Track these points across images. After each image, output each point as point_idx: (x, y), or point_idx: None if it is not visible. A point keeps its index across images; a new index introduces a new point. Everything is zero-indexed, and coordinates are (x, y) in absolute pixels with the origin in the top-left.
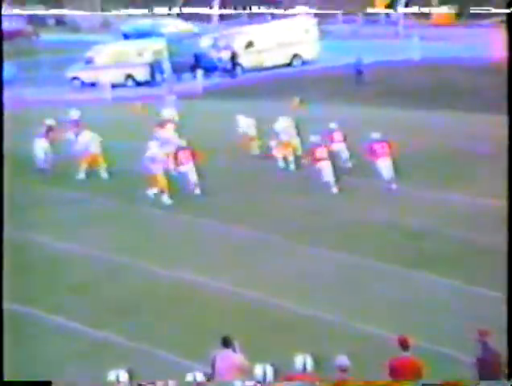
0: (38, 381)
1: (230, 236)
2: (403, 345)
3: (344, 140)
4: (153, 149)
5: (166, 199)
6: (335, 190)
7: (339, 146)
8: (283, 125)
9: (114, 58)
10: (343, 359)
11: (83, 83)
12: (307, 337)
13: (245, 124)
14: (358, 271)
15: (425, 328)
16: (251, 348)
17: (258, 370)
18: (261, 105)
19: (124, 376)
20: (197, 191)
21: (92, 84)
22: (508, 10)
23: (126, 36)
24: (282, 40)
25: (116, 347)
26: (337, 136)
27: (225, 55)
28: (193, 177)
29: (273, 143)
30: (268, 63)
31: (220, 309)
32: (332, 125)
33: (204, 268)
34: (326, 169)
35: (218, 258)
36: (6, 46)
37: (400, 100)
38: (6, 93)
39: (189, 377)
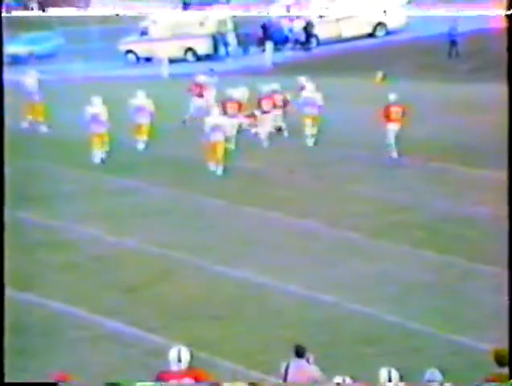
0: (43, 382)
1: (302, 232)
2: (500, 361)
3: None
4: (215, 116)
5: (219, 170)
6: (265, 144)
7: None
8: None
9: (172, 29)
10: (433, 374)
11: (137, 57)
12: (392, 348)
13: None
14: (452, 273)
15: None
16: (327, 360)
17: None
18: (339, 82)
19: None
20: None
21: (148, 59)
22: (508, 12)
23: (186, 5)
24: (363, 6)
25: None
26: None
27: (298, 25)
28: (233, 131)
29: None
30: (347, 33)
31: (290, 315)
32: (275, 86)
33: (273, 267)
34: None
35: (289, 257)
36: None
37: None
38: (52, 67)
39: None
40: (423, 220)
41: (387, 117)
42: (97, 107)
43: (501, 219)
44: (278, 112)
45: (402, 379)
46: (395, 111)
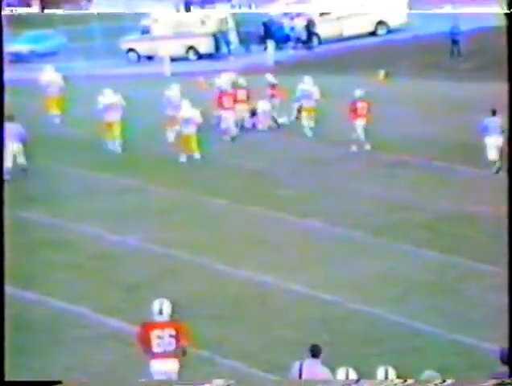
0: (48, 381)
1: (304, 231)
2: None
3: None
4: (186, 109)
5: (183, 158)
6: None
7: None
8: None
9: (174, 27)
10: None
11: (139, 56)
12: (394, 348)
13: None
14: (453, 272)
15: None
16: (329, 359)
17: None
18: (340, 80)
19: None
20: (231, 135)
21: (149, 58)
22: (508, 11)
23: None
24: (365, 4)
25: None
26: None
27: (300, 24)
28: (231, 123)
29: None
30: (348, 31)
31: (292, 314)
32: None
33: (274, 267)
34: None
35: (291, 256)
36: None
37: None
38: (53, 65)
39: None
40: (425, 220)
41: (354, 113)
42: (108, 97)
43: (502, 218)
44: (244, 107)
45: (398, 377)
46: (361, 106)
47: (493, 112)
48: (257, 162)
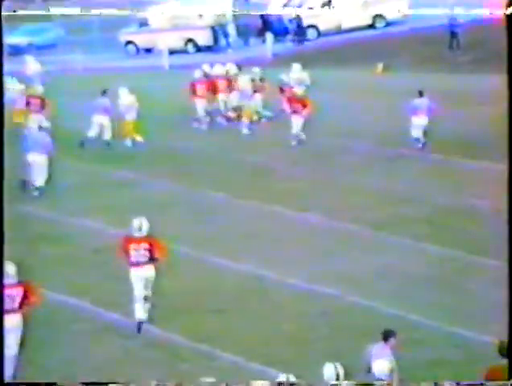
0: (41, 382)
1: (302, 225)
2: (504, 353)
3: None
4: (125, 96)
5: (128, 143)
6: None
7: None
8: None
9: (172, 20)
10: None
11: (137, 48)
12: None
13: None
14: (452, 266)
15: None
16: (327, 353)
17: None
18: (339, 73)
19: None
20: (204, 127)
21: (148, 50)
22: (507, 11)
23: None
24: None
25: (175, 348)
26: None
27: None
28: (202, 111)
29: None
30: (347, 24)
31: (291, 308)
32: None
33: (273, 260)
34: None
35: (289, 250)
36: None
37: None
38: (51, 58)
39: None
40: (424, 213)
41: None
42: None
43: (502, 212)
44: (224, 96)
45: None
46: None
47: (420, 94)
48: (255, 155)
